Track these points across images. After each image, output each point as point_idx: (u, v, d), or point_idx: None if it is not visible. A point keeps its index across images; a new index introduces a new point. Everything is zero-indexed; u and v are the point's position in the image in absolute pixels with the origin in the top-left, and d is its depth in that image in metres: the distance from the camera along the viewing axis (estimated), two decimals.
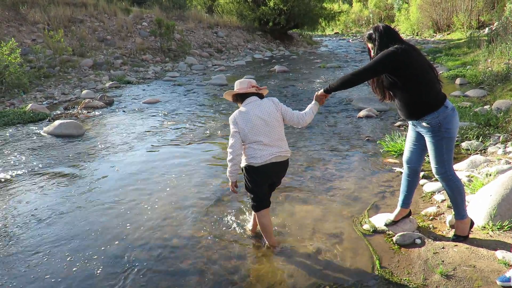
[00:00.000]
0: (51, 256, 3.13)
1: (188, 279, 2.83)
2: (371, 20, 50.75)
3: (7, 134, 6.85)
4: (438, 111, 2.79)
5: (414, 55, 2.81)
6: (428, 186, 4.12)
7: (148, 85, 12.26)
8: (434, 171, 2.97)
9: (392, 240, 3.18)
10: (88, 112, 8.57)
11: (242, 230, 3.45)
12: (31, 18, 15.67)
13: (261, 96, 3.11)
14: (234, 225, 3.57)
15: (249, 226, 3.44)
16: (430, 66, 2.90)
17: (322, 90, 3.14)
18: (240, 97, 3.07)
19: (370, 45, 3.00)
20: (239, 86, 3.07)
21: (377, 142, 5.77)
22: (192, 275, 2.88)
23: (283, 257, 3.07)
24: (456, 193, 2.95)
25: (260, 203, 3.05)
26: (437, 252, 2.93)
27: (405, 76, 2.80)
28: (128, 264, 3.01)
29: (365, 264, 2.92)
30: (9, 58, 9.74)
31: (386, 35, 2.89)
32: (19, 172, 5.01)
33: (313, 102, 3.21)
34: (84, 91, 10.50)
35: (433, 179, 4.30)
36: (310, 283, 2.74)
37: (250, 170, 2.98)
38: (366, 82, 3.05)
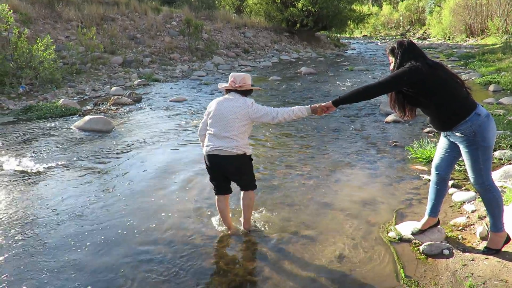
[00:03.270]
0: (74, 250, 3.21)
1: (211, 279, 2.84)
2: (401, 23, 49.81)
3: (40, 127, 7.09)
4: (470, 119, 2.71)
5: (428, 70, 2.74)
6: (458, 196, 3.99)
7: (175, 84, 12.44)
8: (471, 181, 2.87)
9: (418, 249, 3.09)
10: (116, 109, 8.77)
11: (263, 231, 3.44)
12: (66, 15, 16.20)
13: (244, 93, 3.28)
14: (256, 225, 3.55)
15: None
16: (452, 75, 2.83)
17: (330, 102, 3.07)
18: (226, 90, 3.38)
19: (391, 59, 2.99)
20: (228, 81, 3.36)
21: (405, 148, 5.64)
22: (215, 275, 2.89)
23: (306, 261, 3.03)
24: (494, 204, 2.84)
25: (215, 189, 3.37)
26: (466, 264, 2.83)
27: (424, 91, 2.77)
28: (152, 261, 3.04)
29: (389, 273, 2.85)
30: (44, 54, 10.08)
31: (408, 51, 2.86)
32: (49, 164, 5.17)
33: (308, 106, 3.17)
34: (114, 88, 10.77)
35: (463, 188, 4.17)
36: None
37: (204, 156, 3.28)
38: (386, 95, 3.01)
